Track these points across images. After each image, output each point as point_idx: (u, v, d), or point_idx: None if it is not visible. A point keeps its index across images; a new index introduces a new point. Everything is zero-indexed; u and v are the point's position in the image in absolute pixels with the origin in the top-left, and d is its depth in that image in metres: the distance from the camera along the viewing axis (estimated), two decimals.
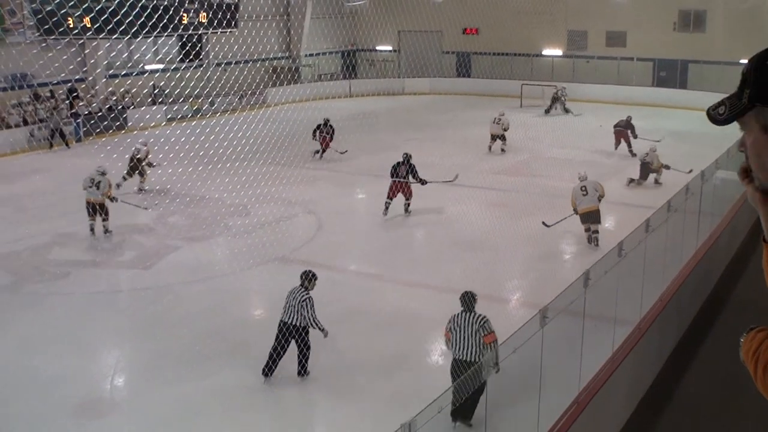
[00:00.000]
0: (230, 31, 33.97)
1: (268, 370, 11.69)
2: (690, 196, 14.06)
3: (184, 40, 35.88)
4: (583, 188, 18.24)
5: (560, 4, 40.29)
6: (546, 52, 44.53)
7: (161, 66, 35.71)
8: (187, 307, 14.68)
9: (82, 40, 30.54)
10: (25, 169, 26.50)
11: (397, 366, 12.28)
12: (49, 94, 32.25)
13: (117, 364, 12.83)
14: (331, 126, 26.88)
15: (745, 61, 1.90)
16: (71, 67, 29.79)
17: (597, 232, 17.90)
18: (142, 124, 31.79)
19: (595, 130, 30.48)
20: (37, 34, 26.20)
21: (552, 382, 8.79)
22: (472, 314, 10.14)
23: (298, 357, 11.68)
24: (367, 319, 13.96)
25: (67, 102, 32.41)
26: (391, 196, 20.66)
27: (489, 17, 39.91)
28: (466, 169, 23.87)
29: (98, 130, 30.57)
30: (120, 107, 33.69)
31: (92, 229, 19.06)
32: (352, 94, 44.24)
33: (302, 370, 11.72)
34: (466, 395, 7.65)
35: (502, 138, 28.44)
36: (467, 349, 9.84)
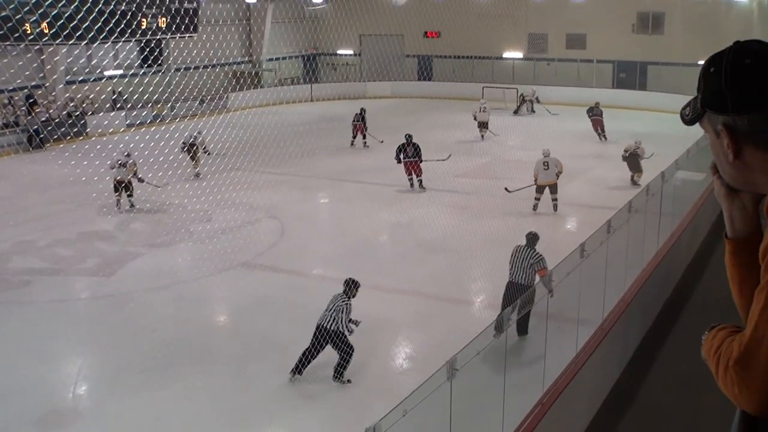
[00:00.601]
0: (190, 36, 33.79)
1: (297, 369, 11.74)
2: (651, 197, 14.16)
3: (143, 45, 35.66)
4: (545, 163, 21.24)
5: (521, 7, 40.53)
6: (507, 54, 44.80)
7: (121, 71, 35.45)
8: (150, 314, 14.56)
9: (38, 46, 30.21)
10: None
11: (361, 369, 12.25)
12: (6, 101, 31.88)
13: (79, 373, 12.67)
14: (415, 145, 24.47)
15: (702, 62, 1.93)
16: (27, 73, 29.48)
17: (555, 199, 21.23)
18: (100, 130, 31.55)
19: (558, 132, 30.65)
20: None
21: (515, 384, 8.80)
22: (532, 251, 12.13)
23: (338, 361, 11.75)
24: None
25: (24, 108, 32.05)
26: (409, 174, 23.65)
27: (450, 20, 40.03)
28: (429, 172, 23.91)
29: (56, 137, 30.27)
30: (78, 113, 33.34)
31: (118, 204, 21.88)
32: (314, 99, 44.21)
33: (337, 375, 11.71)
34: (527, 310, 9.86)
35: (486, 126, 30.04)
36: (523, 275, 11.92)
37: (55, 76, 33.50)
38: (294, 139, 27.40)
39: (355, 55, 48.78)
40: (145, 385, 11.78)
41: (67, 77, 34.63)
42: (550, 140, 28.67)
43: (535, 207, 21.14)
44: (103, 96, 34.08)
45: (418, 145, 23.78)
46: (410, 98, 44.39)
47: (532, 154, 27.18)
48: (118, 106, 35.96)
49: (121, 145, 22.58)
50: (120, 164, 21.66)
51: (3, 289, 16.09)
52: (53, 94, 33.86)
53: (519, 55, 44.72)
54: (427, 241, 18.25)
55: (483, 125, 30.47)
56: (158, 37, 26.51)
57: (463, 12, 39.11)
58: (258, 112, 34.70)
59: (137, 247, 18.62)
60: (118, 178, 21.68)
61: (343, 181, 24.28)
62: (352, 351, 11.79)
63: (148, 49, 36.07)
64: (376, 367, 12.53)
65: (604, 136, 30.95)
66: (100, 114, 33.70)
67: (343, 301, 11.94)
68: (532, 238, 12.75)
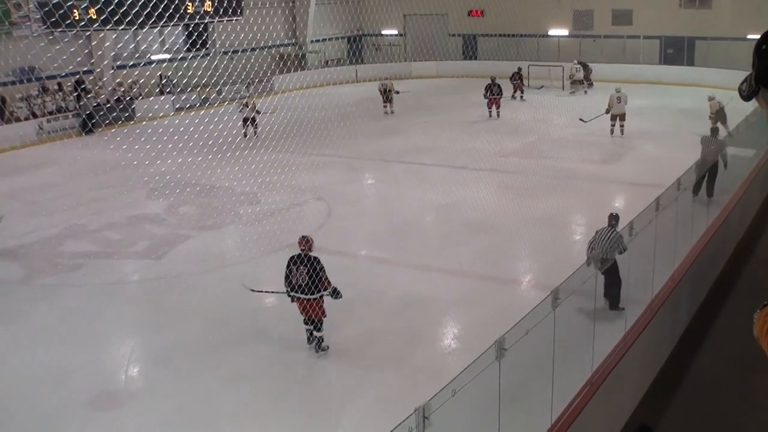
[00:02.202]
0: (236, 19, 33.92)
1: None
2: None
3: (189, 29, 35.87)
4: (618, 98, 27.19)
5: None
6: (552, 32, 44.39)
7: (168, 56, 35.75)
8: (199, 296, 14.72)
9: (88, 32, 30.56)
10: (34, 162, 26.56)
11: (410, 350, 12.30)
12: (57, 87, 32.33)
13: (131, 355, 12.87)
14: (498, 85, 32.38)
15: (751, 36, 1.94)
16: (79, 59, 29.84)
17: (623, 125, 27.29)
18: (150, 114, 31.85)
19: (603, 110, 30.35)
20: (44, 27, 26.22)
21: (565, 363, 8.80)
22: (613, 231, 12.41)
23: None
24: (379, 304, 13.99)
25: (75, 94, 32.47)
26: (490, 107, 31.89)
27: None
28: (475, 152, 23.87)
29: (107, 122, 30.64)
30: (128, 98, 33.69)
31: (245, 134, 28.81)
32: (359, 80, 44.20)
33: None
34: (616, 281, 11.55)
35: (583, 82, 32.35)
36: (603, 250, 12.11)
37: (105, 62, 33.87)
38: (340, 121, 27.46)
39: (399, 35, 48.65)
40: (195, 366, 11.93)
41: (116, 62, 34.98)
42: (597, 119, 28.50)
43: (611, 131, 27.39)
44: (152, 80, 34.41)
45: (500, 85, 32.13)
46: (455, 77, 44.23)
47: (578, 132, 27.05)
48: (166, 90, 36.28)
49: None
50: (244, 105, 29.18)
51: (56, 272, 16.36)
52: (102, 79, 34.25)
53: (564, 32, 44.29)
54: (473, 221, 18.22)
55: (620, 117, 29.41)
56: (204, 21, 26.69)
57: None
58: (303, 94, 34.82)
59: (186, 229, 18.82)
60: (247, 115, 28.87)
61: (389, 162, 24.28)
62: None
63: (194, 33, 36.29)
64: (424, 347, 12.58)
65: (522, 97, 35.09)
66: (149, 99, 34.00)
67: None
68: (615, 219, 12.85)
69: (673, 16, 40.41)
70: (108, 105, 31.37)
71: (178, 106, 34.68)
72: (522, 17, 41.58)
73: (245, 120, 29.10)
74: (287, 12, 45.83)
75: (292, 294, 12.05)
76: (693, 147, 19.96)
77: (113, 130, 28.94)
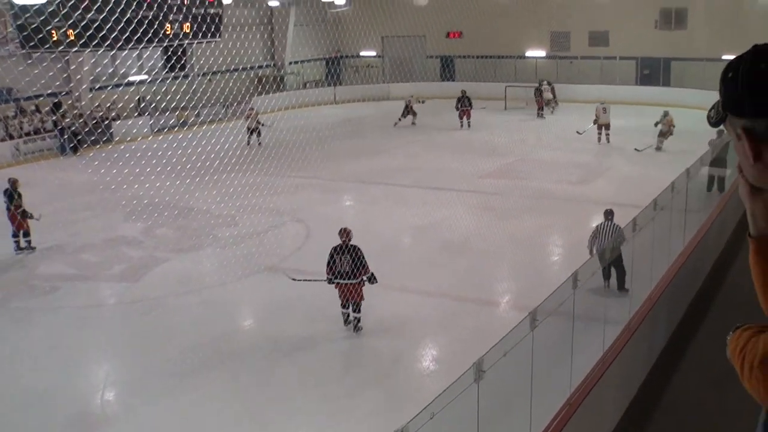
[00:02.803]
0: (214, 42, 33.93)
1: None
2: (676, 194, 14.10)
3: (167, 50, 35.83)
4: (604, 108, 29.92)
5: (543, 5, 40.41)
6: (529, 53, 44.65)
7: (146, 77, 35.68)
8: (177, 319, 14.64)
9: (67, 56, 30.50)
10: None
11: (388, 372, 12.27)
12: (34, 108, 32.18)
13: (107, 378, 12.78)
14: (468, 98, 35.41)
15: (726, 57, 1.95)
16: (57, 83, 29.74)
17: (608, 134, 29.73)
18: (129, 138, 31.74)
19: (583, 127, 30.52)
20: (22, 48, 26.13)
21: (543, 384, 8.79)
22: (612, 224, 14.33)
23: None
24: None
25: (52, 115, 32.33)
26: (461, 118, 34.78)
27: (472, 20, 40.02)
28: (453, 173, 23.92)
29: (84, 144, 30.51)
30: (106, 120, 33.56)
31: (249, 143, 31.03)
32: (338, 101, 44.28)
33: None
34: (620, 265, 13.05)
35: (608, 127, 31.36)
36: (607, 242, 13.78)
37: (83, 86, 33.76)
38: (318, 142, 27.48)
39: (377, 56, 48.80)
40: (172, 389, 11.85)
41: (94, 84, 34.87)
42: (574, 138, 28.66)
43: (599, 140, 29.98)
44: (130, 104, 34.29)
45: (470, 98, 35.03)
46: (433, 98, 44.34)
47: (555, 153, 27.21)
48: (144, 111, 36.18)
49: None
50: (247, 115, 31.20)
51: (32, 295, 16.24)
52: (81, 102, 34.11)
53: (542, 53, 44.58)
54: (451, 242, 18.24)
55: (605, 126, 30.01)
56: (183, 43, 26.72)
57: (484, 12, 39.05)
58: (282, 116, 34.80)
59: (164, 252, 18.74)
60: (249, 125, 31.10)
61: (368, 184, 24.30)
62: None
63: (172, 55, 36.25)
64: (403, 369, 12.55)
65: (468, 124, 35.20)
66: (127, 120, 33.91)
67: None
68: (611, 214, 14.72)
69: (649, 37, 40.78)
70: (86, 128, 31.23)
71: (156, 128, 34.59)
72: (499, 39, 41.85)
73: (249, 129, 31.61)
74: (266, 34, 45.90)
75: (335, 281, 13.49)
76: (670, 166, 20.08)
77: (91, 153, 28.82)
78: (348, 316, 13.67)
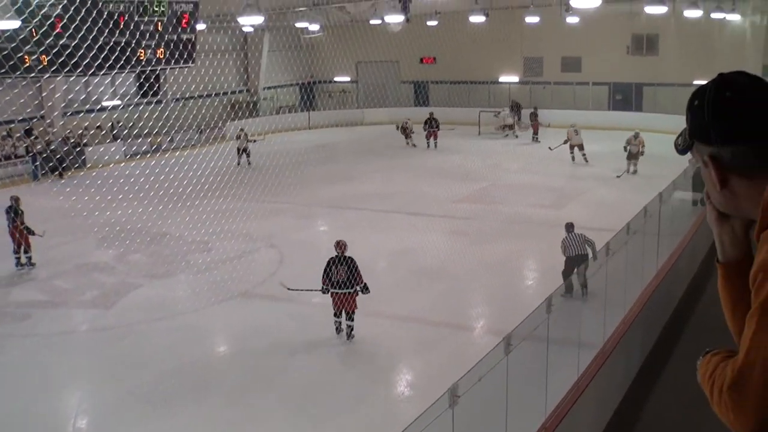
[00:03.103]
0: (188, 67, 33.90)
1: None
2: (649, 218, 14.19)
3: (141, 76, 35.74)
4: (575, 131, 30.76)
5: (516, 31, 40.69)
6: (503, 79, 44.91)
7: (119, 103, 35.56)
8: (150, 345, 14.52)
9: (40, 82, 30.37)
10: None
11: (363, 398, 12.22)
12: (5, 134, 31.98)
13: (80, 406, 12.64)
14: (436, 119, 37.40)
15: (698, 82, 1.97)
16: (30, 109, 29.60)
17: (585, 154, 30.92)
18: (101, 164, 31.60)
19: (555, 154, 30.69)
20: None
21: (518, 409, 8.78)
22: (575, 234, 16.22)
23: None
24: (330, 352, 13.92)
25: (24, 141, 32.19)
26: (427, 139, 36.76)
27: (445, 46, 40.24)
28: (427, 198, 23.97)
29: (55, 170, 30.34)
30: (79, 147, 33.41)
31: (239, 163, 32.40)
32: (312, 126, 44.32)
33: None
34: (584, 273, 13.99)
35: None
36: (578, 250, 15.84)
37: (55, 113, 33.63)
38: (292, 168, 27.45)
39: (351, 82, 48.92)
40: (145, 416, 11.74)
41: (67, 109, 34.73)
42: (548, 163, 28.81)
43: (573, 158, 31.13)
44: (103, 130, 34.14)
45: (437, 120, 37.15)
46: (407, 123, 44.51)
47: (529, 177, 27.34)
48: (117, 137, 36.05)
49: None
50: (237, 136, 32.91)
51: (3, 322, 16.06)
52: (53, 128, 33.93)
53: (515, 79, 44.86)
54: (426, 267, 18.23)
55: (578, 147, 31.53)
56: (156, 68, 26.68)
57: (458, 38, 39.27)
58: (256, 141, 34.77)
59: (136, 278, 18.61)
60: (239, 146, 32.61)
61: (342, 209, 24.28)
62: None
63: (146, 81, 36.17)
64: (378, 395, 12.51)
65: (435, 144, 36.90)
66: (100, 146, 33.75)
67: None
68: (572, 225, 16.59)
69: (621, 63, 41.17)
70: (57, 155, 31.06)
71: (129, 153, 34.47)
72: (473, 64, 42.12)
73: (239, 149, 32.86)
74: (239, 59, 45.94)
75: (331, 290, 14.14)
76: (643, 190, 20.22)
77: (63, 180, 28.66)
78: (340, 324, 14.32)
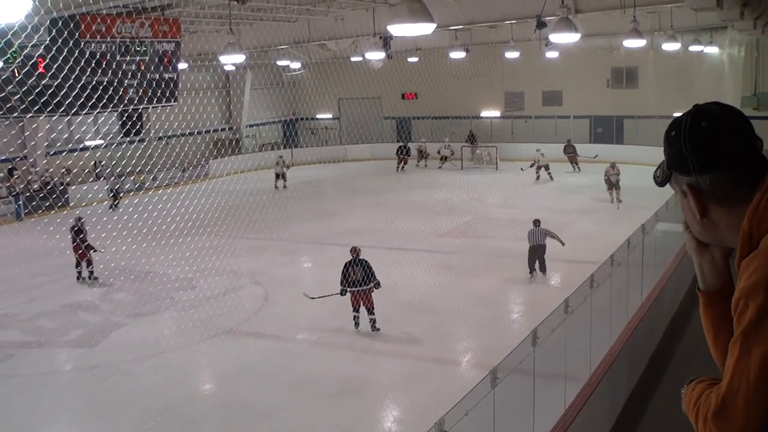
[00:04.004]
0: (170, 106, 33.96)
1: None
2: (632, 250, 14.24)
3: (123, 115, 35.74)
4: (542, 154, 35.50)
5: (496, 67, 40.99)
6: (484, 113, 45.16)
7: (102, 142, 35.54)
8: (135, 384, 14.43)
9: (22, 122, 30.37)
10: None
11: None
12: None
13: None
14: (408, 148, 42.58)
15: (677, 114, 2.00)
16: (12, 149, 29.57)
17: (550, 173, 35.33)
18: (84, 203, 31.54)
19: (538, 188, 30.84)
20: None
21: None
22: (540, 227, 20.34)
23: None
24: (317, 389, 13.85)
25: (7, 183, 32.13)
26: (398, 164, 41.34)
27: (427, 82, 40.48)
28: (411, 233, 24.00)
29: (40, 210, 30.26)
30: (61, 186, 33.36)
31: (276, 186, 36.44)
32: (295, 163, 44.40)
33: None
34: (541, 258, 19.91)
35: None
36: (541, 239, 20.21)
37: (38, 152, 33.62)
38: (275, 204, 27.47)
39: (334, 118, 49.13)
40: None
41: (49, 149, 34.71)
42: (531, 197, 28.93)
43: (537, 177, 35.18)
44: (86, 169, 34.12)
45: (409, 148, 42.51)
46: (390, 160, 44.63)
47: (512, 211, 27.41)
48: (100, 176, 36.02)
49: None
50: (276, 162, 37.16)
51: None
52: (36, 168, 33.88)
53: (496, 113, 45.12)
54: (410, 301, 18.23)
55: (545, 167, 36.01)
56: (138, 107, 26.74)
57: (439, 73, 39.52)
58: (239, 179, 34.82)
59: (121, 317, 18.53)
60: (277, 171, 36.87)
61: (325, 245, 24.26)
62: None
63: (128, 120, 36.17)
64: (365, 431, 12.45)
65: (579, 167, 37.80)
66: (84, 186, 33.71)
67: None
68: (538, 221, 20.60)
69: (602, 96, 41.52)
70: (41, 194, 30.99)
71: (112, 192, 34.45)
72: (455, 99, 42.35)
73: (277, 174, 36.95)
74: (222, 97, 46.08)
75: (350, 289, 16.39)
76: (624, 222, 20.32)
77: (46, 219, 28.59)
78: (357, 318, 16.51)
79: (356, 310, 16.57)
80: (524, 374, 9.55)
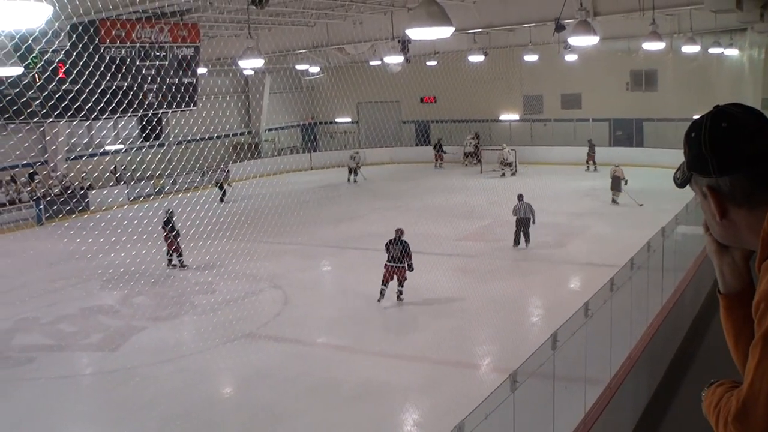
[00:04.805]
0: (189, 110, 34.10)
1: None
2: (652, 253, 14.17)
3: (143, 120, 35.92)
4: (509, 150, 39.17)
5: (515, 70, 40.95)
6: (503, 117, 45.10)
7: (122, 146, 35.75)
8: (155, 388, 14.47)
9: (43, 127, 30.56)
10: None
11: None
12: (9, 178, 32.11)
13: None
14: (442, 146, 44.22)
15: (696, 117, 1.99)
16: (33, 153, 29.73)
17: (513, 171, 38.99)
18: (105, 206, 31.71)
19: (557, 191, 30.77)
20: None
21: None
22: (523, 202, 23.45)
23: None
24: (336, 392, 13.84)
25: (28, 188, 32.33)
26: (435, 160, 43.71)
27: (446, 86, 40.49)
28: (431, 237, 23.96)
29: (61, 215, 30.43)
30: (82, 190, 33.55)
31: (349, 180, 39.63)
32: (313, 167, 44.47)
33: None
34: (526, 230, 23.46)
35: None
36: (525, 214, 23.35)
37: (59, 156, 33.81)
38: (294, 208, 27.52)
39: (352, 122, 49.16)
40: None
41: (70, 153, 34.92)
42: (549, 200, 28.85)
43: (503, 175, 38.54)
44: (106, 173, 34.28)
45: (443, 146, 44.16)
46: (409, 163, 44.67)
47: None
48: (120, 180, 36.22)
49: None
50: (351, 157, 39.92)
51: (7, 366, 16.01)
52: (57, 172, 34.07)
53: (515, 117, 45.05)
54: (430, 305, 18.23)
55: (508, 165, 39.07)
56: (158, 111, 26.86)
57: (458, 77, 39.52)
58: (258, 183, 34.92)
59: (141, 321, 18.59)
60: (350, 165, 39.66)
61: (345, 248, 24.29)
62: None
63: (148, 124, 36.35)
64: None
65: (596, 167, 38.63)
66: (103, 190, 33.90)
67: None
68: (521, 196, 23.83)
69: (621, 99, 41.34)
70: (61, 198, 31.17)
71: (132, 196, 34.62)
72: (474, 103, 42.29)
73: (350, 169, 39.79)
74: (241, 102, 46.22)
75: (388, 263, 18.61)
76: (644, 225, 20.23)
77: (66, 223, 28.74)
78: (384, 292, 18.58)
79: (385, 284, 18.58)
80: (544, 378, 9.52)
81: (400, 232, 19.03)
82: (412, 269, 18.53)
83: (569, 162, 39.79)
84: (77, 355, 16.88)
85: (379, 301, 18.54)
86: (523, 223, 23.45)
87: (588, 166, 39.48)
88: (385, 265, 18.69)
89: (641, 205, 29.07)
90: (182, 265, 23.09)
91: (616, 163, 31.26)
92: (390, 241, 18.94)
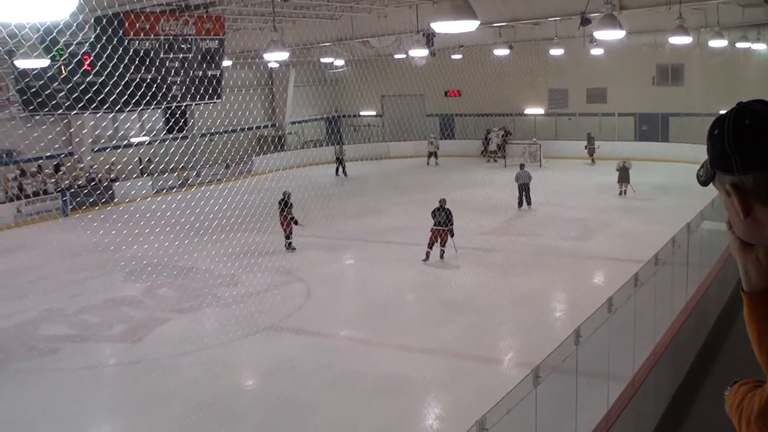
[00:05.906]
0: (214, 103, 34.19)
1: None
2: (677, 249, 14.09)
3: (168, 112, 36.06)
4: (497, 134, 42.73)
5: (540, 63, 40.76)
6: (528, 111, 44.95)
7: (147, 138, 35.92)
8: (177, 380, 14.53)
9: (68, 119, 30.73)
10: (10, 246, 26.39)
11: (390, 430, 12.15)
12: (36, 170, 32.34)
13: None
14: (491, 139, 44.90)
15: (723, 111, 1.95)
16: (58, 145, 29.93)
17: (496, 158, 42.33)
18: (128, 199, 31.89)
19: (581, 186, 30.65)
20: (24, 111, 26.28)
21: None
22: (524, 170, 28.76)
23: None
24: (358, 385, 13.85)
25: (53, 179, 32.55)
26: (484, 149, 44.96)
27: (470, 79, 40.38)
28: (454, 230, 23.92)
29: (85, 206, 30.63)
30: (106, 181, 33.75)
31: (428, 163, 42.84)
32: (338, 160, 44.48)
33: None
34: (527, 194, 28.73)
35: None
36: (524, 180, 28.45)
37: (83, 148, 34.01)
38: (318, 201, 27.55)
39: (377, 115, 49.15)
40: None
41: (95, 145, 35.14)
42: (573, 195, 28.75)
43: (487, 160, 42.66)
44: (130, 165, 34.45)
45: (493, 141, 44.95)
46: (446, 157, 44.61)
47: (554, 209, 27.24)
48: (144, 172, 36.41)
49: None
50: (430, 142, 43.11)
51: (32, 356, 16.13)
52: (82, 163, 34.28)
53: (540, 111, 44.89)
54: (452, 299, 18.20)
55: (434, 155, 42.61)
56: (183, 104, 26.99)
57: (483, 71, 39.40)
58: (282, 176, 34.95)
59: (164, 312, 18.67)
60: (431, 150, 42.94)
61: (368, 242, 24.30)
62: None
63: (173, 116, 36.49)
64: (405, 428, 12.43)
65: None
66: (127, 182, 34.09)
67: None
68: (523, 165, 29.38)
69: (647, 94, 41.07)
70: (86, 190, 31.33)
71: (156, 188, 34.77)
72: (498, 97, 42.14)
73: (429, 153, 42.99)
74: (265, 94, 46.31)
75: (433, 228, 21.44)
76: (668, 221, 20.11)
77: (90, 215, 28.91)
78: (429, 254, 21.41)
79: (430, 247, 21.42)
80: (567, 373, 9.48)
81: (443, 201, 21.87)
82: (453, 234, 21.32)
83: (595, 156, 39.75)
84: (101, 346, 16.98)
85: (424, 261, 21.33)
86: (525, 188, 28.51)
87: (593, 160, 40.17)
88: (432, 229, 21.43)
89: (635, 191, 30.02)
90: (291, 248, 23.73)
91: (624, 157, 32.11)
92: (435, 209, 21.66)
